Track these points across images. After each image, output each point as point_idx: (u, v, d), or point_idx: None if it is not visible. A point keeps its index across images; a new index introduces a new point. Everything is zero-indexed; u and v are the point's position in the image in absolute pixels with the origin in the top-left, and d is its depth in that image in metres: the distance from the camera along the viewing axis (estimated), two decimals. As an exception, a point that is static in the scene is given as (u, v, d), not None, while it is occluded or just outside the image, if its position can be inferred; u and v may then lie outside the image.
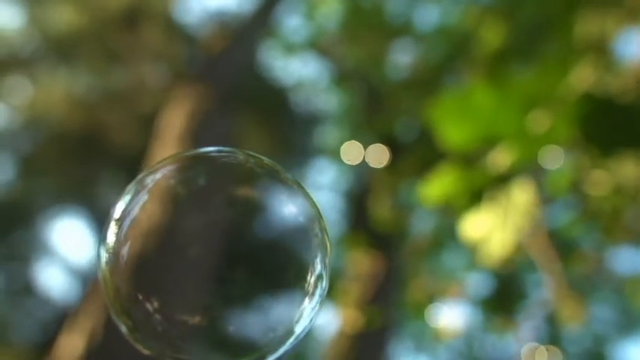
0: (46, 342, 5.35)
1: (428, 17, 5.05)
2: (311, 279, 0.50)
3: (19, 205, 6.84)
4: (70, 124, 6.41)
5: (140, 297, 0.47)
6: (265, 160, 0.52)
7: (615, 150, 1.02)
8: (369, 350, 3.54)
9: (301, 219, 0.51)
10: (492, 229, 1.13)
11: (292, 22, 5.75)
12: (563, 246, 2.65)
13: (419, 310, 3.98)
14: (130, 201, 0.50)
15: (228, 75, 4.00)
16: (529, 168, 1.20)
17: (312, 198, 0.52)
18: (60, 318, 5.41)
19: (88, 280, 6.42)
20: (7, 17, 6.66)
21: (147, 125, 4.85)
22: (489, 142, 1.11)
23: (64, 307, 6.38)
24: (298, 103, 6.83)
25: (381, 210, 2.84)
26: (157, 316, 0.47)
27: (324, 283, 0.51)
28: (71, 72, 6.62)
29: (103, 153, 6.52)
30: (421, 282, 3.85)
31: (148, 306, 0.47)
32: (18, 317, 6.84)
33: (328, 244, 0.52)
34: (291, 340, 0.50)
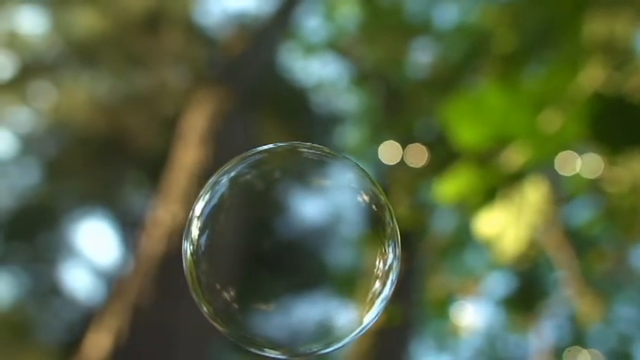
0: (72, 342, 5.42)
1: (447, 16, 5.04)
2: (383, 268, 0.51)
3: (45, 208, 6.93)
4: (93, 127, 6.49)
5: (218, 287, 0.51)
6: (327, 149, 0.53)
7: (625, 149, 1.03)
8: (391, 348, 3.55)
9: (374, 207, 0.52)
10: (506, 226, 1.15)
11: (311, 23, 5.77)
12: (582, 244, 2.64)
13: (440, 309, 3.98)
14: (210, 199, 0.53)
15: (249, 76, 4.03)
16: (544, 167, 1.21)
17: (379, 185, 0.53)
18: (85, 318, 5.48)
19: (112, 281, 6.49)
20: (31, 23, 6.76)
21: (169, 127, 4.90)
22: (502, 142, 1.13)
23: (90, 307, 6.45)
24: (318, 103, 6.85)
25: (401, 208, 2.85)
26: (235, 305, 0.50)
27: (395, 274, 0.52)
28: (94, 76, 6.70)
29: (127, 155, 6.58)
30: (441, 280, 3.85)
31: (226, 295, 0.50)
32: (45, 317, 6.93)
33: (399, 233, 0.52)
34: (359, 329, 0.51)
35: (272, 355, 0.51)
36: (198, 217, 0.52)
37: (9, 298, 6.84)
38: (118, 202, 7.08)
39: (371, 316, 0.51)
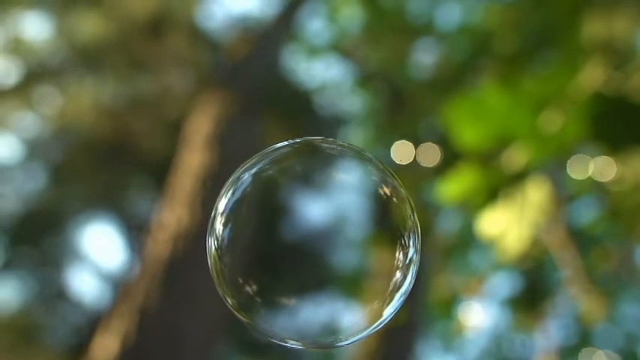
0: (79, 345, 5.44)
1: (450, 16, 5.05)
2: (404, 260, 0.51)
3: (51, 212, 6.95)
4: (98, 131, 6.51)
5: (241, 280, 0.51)
6: (346, 143, 0.54)
7: (626, 148, 1.04)
8: (397, 349, 3.55)
9: (395, 200, 0.52)
10: (509, 225, 1.16)
11: (315, 25, 5.78)
12: (585, 242, 2.64)
13: (446, 309, 3.98)
14: (232, 195, 0.53)
15: (253, 79, 4.04)
16: (547, 166, 1.22)
17: (399, 179, 0.53)
18: (92, 322, 5.50)
19: (119, 284, 6.52)
20: (36, 29, 6.79)
21: (174, 131, 4.92)
22: (504, 142, 1.14)
23: (96, 311, 6.47)
24: (322, 105, 6.85)
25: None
26: (257, 299, 0.51)
27: (416, 269, 0.52)
28: (98, 81, 6.72)
29: (132, 159, 6.60)
30: (447, 280, 3.85)
31: (248, 289, 0.51)
32: (51, 321, 6.95)
33: (419, 226, 0.53)
34: (379, 322, 0.51)
35: (293, 346, 0.51)
36: (222, 213, 0.52)
37: (16, 302, 6.87)
38: (123, 206, 7.10)
39: (390, 309, 0.51)
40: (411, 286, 0.52)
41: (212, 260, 0.52)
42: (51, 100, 6.92)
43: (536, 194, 1.13)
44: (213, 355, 3.00)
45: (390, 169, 0.53)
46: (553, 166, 1.33)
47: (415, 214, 0.53)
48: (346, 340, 0.51)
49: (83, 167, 6.66)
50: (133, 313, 2.78)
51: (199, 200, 3.11)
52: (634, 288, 4.94)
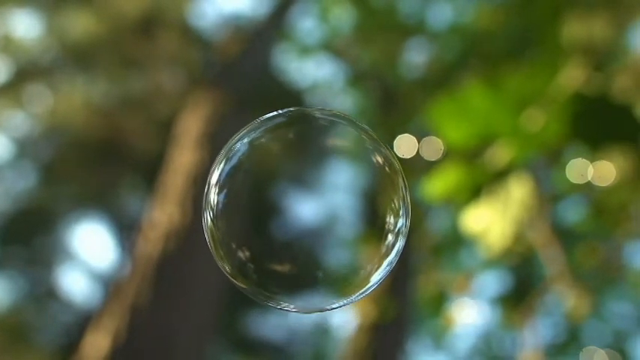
0: (69, 344, 5.44)
1: (441, 16, 5.07)
2: (394, 224, 0.52)
3: (41, 211, 6.93)
4: (89, 130, 6.50)
5: (234, 246, 0.51)
6: (339, 112, 0.55)
7: (605, 146, 1.07)
8: (387, 346, 3.57)
9: (388, 170, 0.53)
10: (492, 221, 1.18)
11: (306, 25, 5.79)
12: (570, 239, 2.67)
13: (435, 306, 4.00)
14: (224, 167, 0.53)
15: (244, 78, 4.05)
16: (530, 164, 1.24)
17: (392, 152, 0.53)
18: (82, 321, 5.50)
19: (109, 283, 6.51)
20: (26, 27, 6.77)
21: (165, 130, 4.92)
22: (487, 140, 1.16)
23: (87, 310, 6.47)
24: (314, 104, 6.86)
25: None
26: (251, 265, 0.51)
27: (403, 240, 0.52)
28: (89, 79, 6.71)
29: (122, 158, 6.60)
30: (436, 278, 3.87)
31: (241, 255, 0.51)
32: (42, 321, 6.94)
33: (409, 198, 0.53)
34: (365, 289, 0.52)
35: (287, 310, 0.52)
36: (215, 184, 0.53)
37: (6, 301, 6.85)
38: (114, 205, 7.09)
39: (377, 276, 0.52)
40: (398, 257, 0.52)
41: (208, 229, 0.52)
42: (41, 99, 6.90)
43: (519, 191, 1.16)
44: (204, 353, 3.01)
45: (383, 142, 0.54)
46: (538, 163, 1.35)
47: (407, 189, 0.53)
48: (336, 304, 0.52)
49: (74, 166, 6.65)
50: (123, 311, 2.78)
51: (190, 199, 3.11)
52: (622, 286, 4.98)
